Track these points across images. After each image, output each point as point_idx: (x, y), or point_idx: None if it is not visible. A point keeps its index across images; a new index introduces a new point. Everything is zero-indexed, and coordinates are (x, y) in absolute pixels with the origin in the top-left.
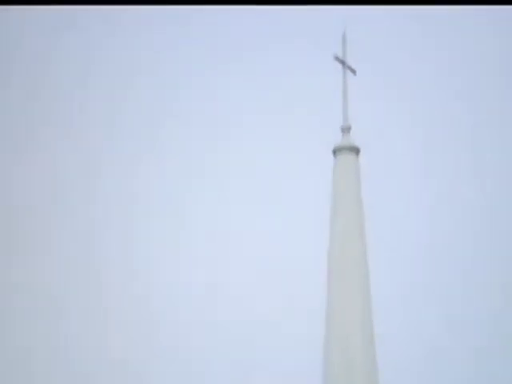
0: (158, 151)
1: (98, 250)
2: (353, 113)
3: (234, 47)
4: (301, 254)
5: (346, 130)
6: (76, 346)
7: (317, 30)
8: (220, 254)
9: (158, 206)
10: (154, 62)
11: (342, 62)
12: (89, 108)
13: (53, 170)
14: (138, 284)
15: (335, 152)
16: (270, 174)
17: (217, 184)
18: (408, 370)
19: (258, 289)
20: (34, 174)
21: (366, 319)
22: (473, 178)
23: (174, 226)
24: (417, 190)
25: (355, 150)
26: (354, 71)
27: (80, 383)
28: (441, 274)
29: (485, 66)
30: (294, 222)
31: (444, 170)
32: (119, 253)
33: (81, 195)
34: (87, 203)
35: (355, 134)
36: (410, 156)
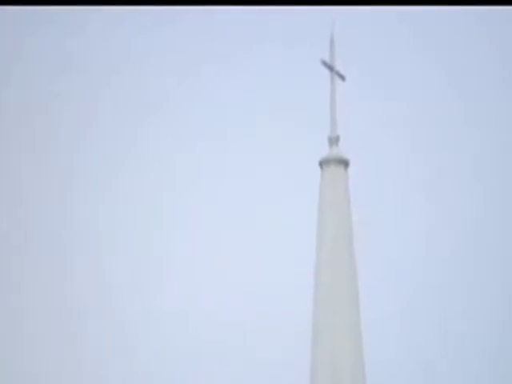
0: (133, 168)
1: (68, 272)
2: (341, 122)
3: (211, 50)
4: (286, 274)
5: (333, 140)
6: (46, 371)
7: (302, 32)
8: (201, 273)
9: (136, 225)
10: (130, 65)
11: (330, 67)
12: (64, 109)
13: (18, 170)
14: (113, 309)
15: (322, 165)
16: (252, 188)
17: (198, 198)
18: None
19: (242, 306)
20: None
21: (356, 341)
22: (472, 191)
23: (154, 247)
24: (411, 206)
25: (344, 163)
26: (342, 77)
27: None
28: (435, 291)
29: (482, 69)
30: (278, 240)
31: (441, 184)
32: (93, 273)
33: (47, 207)
34: (53, 221)
35: (344, 145)
36: (403, 169)
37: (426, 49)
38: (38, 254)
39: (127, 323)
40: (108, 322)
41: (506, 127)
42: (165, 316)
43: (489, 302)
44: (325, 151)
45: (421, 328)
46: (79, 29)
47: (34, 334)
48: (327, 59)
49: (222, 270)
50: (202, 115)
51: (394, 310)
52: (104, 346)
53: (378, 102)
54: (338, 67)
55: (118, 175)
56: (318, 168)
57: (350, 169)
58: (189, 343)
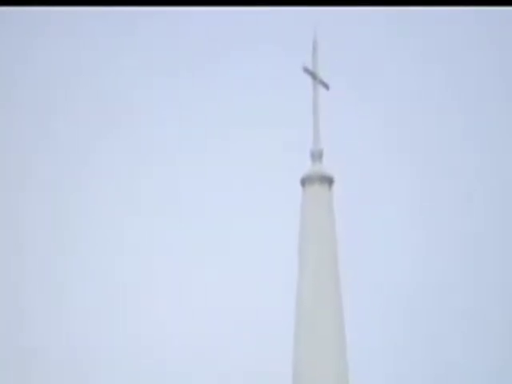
0: (100, 187)
1: (29, 295)
2: (325, 135)
3: (184, 54)
4: (265, 302)
5: (316, 155)
6: None
7: (282, 35)
8: (174, 298)
9: (104, 242)
10: (90, 74)
11: (313, 75)
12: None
13: None
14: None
15: (304, 182)
16: (227, 208)
17: (172, 219)
18: None
19: (216, 341)
20: None
21: (341, 378)
22: (470, 208)
23: (125, 269)
24: (401, 227)
25: (328, 180)
26: (326, 85)
27: None
28: (428, 317)
29: (480, 73)
30: (257, 264)
31: (436, 204)
32: (55, 299)
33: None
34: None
35: (328, 160)
36: (393, 187)
37: (418, 54)
38: None
39: (91, 352)
40: (71, 353)
41: (506, 141)
42: (135, 343)
43: (488, 331)
44: (307, 167)
45: (411, 355)
46: (39, 30)
47: None
48: (310, 66)
49: (197, 295)
50: (176, 127)
51: (382, 335)
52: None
53: (366, 112)
54: (322, 75)
55: (80, 195)
56: (300, 186)
57: (335, 187)
58: (158, 374)
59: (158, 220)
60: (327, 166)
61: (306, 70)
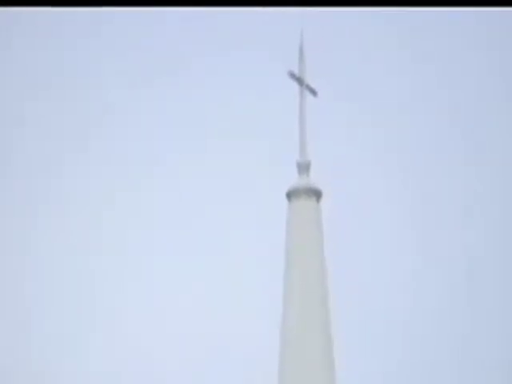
0: (72, 205)
1: None
2: (313, 145)
3: (160, 58)
4: (249, 323)
5: (303, 167)
6: None
7: (267, 38)
8: (144, 322)
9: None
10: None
11: (299, 80)
12: None
13: None
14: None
15: (290, 195)
16: (209, 223)
17: (145, 235)
18: None
19: (197, 367)
20: None
21: None
22: (468, 222)
23: (97, 286)
24: (395, 245)
25: (315, 193)
26: (314, 91)
27: None
28: (423, 350)
29: (477, 79)
30: (240, 283)
31: (431, 216)
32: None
33: None
34: None
35: (316, 172)
36: (385, 200)
37: (413, 57)
38: None
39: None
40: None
41: (506, 141)
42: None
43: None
44: (293, 180)
45: (404, 381)
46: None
47: None
48: (296, 71)
49: (179, 317)
50: (145, 137)
51: (373, 358)
52: None
53: (356, 121)
54: (309, 80)
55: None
56: (285, 199)
57: (323, 200)
58: None
59: (137, 237)
60: (315, 179)
61: (292, 76)
